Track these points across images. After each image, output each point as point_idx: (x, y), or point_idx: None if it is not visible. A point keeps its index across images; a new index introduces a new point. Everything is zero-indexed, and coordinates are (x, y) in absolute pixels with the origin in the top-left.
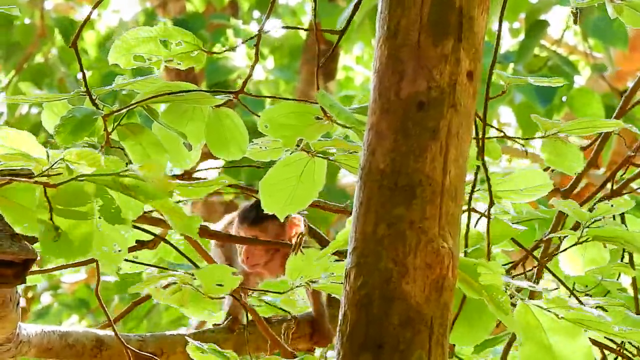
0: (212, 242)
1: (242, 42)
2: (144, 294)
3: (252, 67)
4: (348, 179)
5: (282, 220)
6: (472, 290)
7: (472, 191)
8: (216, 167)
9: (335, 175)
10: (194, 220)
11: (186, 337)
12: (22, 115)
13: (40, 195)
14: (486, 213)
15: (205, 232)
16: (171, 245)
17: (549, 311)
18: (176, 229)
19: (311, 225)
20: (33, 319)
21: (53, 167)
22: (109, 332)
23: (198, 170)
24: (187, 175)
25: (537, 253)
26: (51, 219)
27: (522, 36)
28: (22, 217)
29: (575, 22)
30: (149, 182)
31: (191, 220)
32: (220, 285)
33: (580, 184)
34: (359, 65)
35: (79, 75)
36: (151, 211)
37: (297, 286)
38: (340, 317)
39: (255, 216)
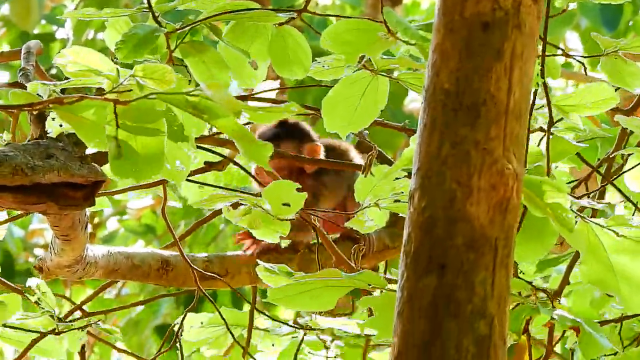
0: None
1: None
2: (207, 213)
3: None
4: (415, 104)
5: (302, 145)
6: (537, 208)
7: (532, 108)
8: (281, 88)
9: (402, 99)
10: (265, 147)
11: (255, 257)
12: (89, 40)
13: (110, 112)
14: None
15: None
16: (240, 166)
17: (609, 229)
18: (245, 156)
19: (379, 149)
20: (99, 244)
21: (123, 83)
22: (174, 252)
23: (257, 93)
24: (248, 97)
25: (601, 171)
26: (116, 137)
27: None
28: (94, 134)
29: None
30: (217, 103)
31: (262, 148)
32: (287, 205)
33: None
34: None
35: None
36: (219, 133)
37: (366, 206)
38: (404, 238)
39: (271, 135)
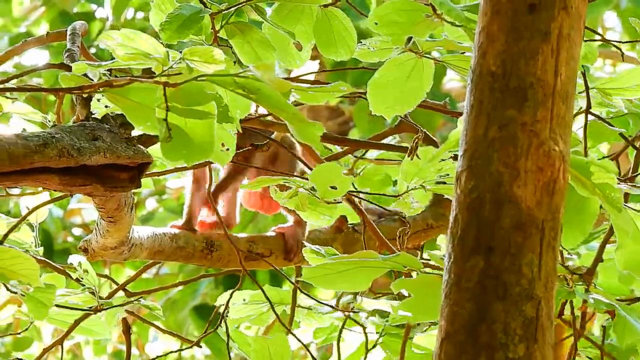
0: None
1: None
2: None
3: None
4: (453, 83)
5: None
6: (585, 189)
7: None
8: (322, 70)
9: (441, 79)
10: (316, 127)
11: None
12: (128, 20)
13: (160, 95)
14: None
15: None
16: (287, 149)
17: None
18: (296, 136)
19: (425, 130)
20: (138, 224)
21: (173, 67)
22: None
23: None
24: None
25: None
26: (165, 119)
27: None
28: (144, 116)
29: None
30: (266, 84)
31: (313, 127)
32: (334, 188)
33: None
34: None
35: None
36: (266, 115)
37: (412, 189)
38: (451, 220)
39: None
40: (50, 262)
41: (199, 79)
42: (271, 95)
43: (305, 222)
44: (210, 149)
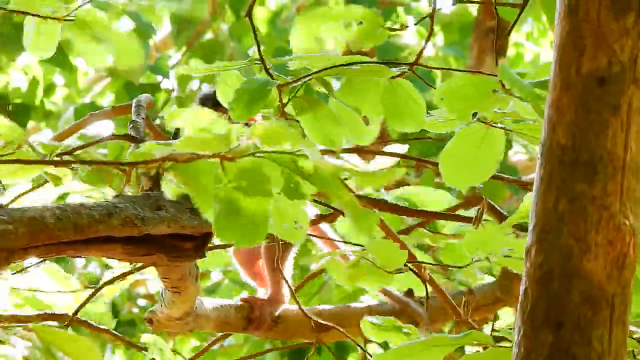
0: None
1: (418, 21)
2: (313, 268)
3: (427, 39)
4: (519, 156)
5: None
6: None
7: None
8: (388, 142)
9: (507, 152)
10: (373, 217)
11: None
12: (193, 91)
13: (219, 173)
14: None
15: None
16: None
17: None
18: (351, 222)
19: (490, 202)
20: (204, 295)
21: (240, 145)
22: (284, 305)
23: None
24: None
25: None
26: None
27: None
28: (202, 196)
29: None
30: (319, 168)
31: (370, 217)
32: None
33: None
34: (529, 42)
35: (250, 52)
36: None
37: (476, 260)
38: (521, 293)
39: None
40: (122, 336)
41: (256, 154)
42: (327, 178)
43: (282, 301)
44: (264, 234)
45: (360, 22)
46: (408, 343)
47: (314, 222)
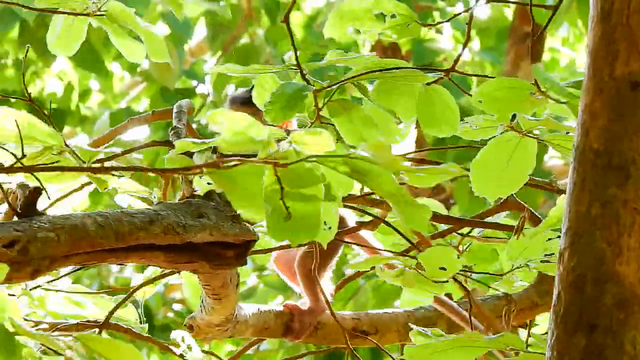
0: None
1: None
2: (348, 273)
3: (465, 44)
4: (555, 161)
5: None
6: None
7: None
8: (423, 150)
9: (542, 156)
10: (425, 211)
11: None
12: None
13: (268, 177)
14: None
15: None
16: (392, 227)
17: None
18: (402, 219)
19: (530, 209)
20: (240, 300)
21: (280, 150)
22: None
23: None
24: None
25: None
26: (281, 198)
27: None
28: (247, 201)
29: None
30: (379, 164)
31: (422, 211)
32: (443, 268)
33: None
34: (564, 47)
35: (286, 57)
36: (371, 193)
37: (516, 267)
38: (554, 297)
39: (246, 97)
40: (153, 338)
41: (309, 159)
42: (382, 178)
43: (322, 311)
44: (317, 230)
45: (393, 16)
46: (442, 339)
47: (355, 230)
